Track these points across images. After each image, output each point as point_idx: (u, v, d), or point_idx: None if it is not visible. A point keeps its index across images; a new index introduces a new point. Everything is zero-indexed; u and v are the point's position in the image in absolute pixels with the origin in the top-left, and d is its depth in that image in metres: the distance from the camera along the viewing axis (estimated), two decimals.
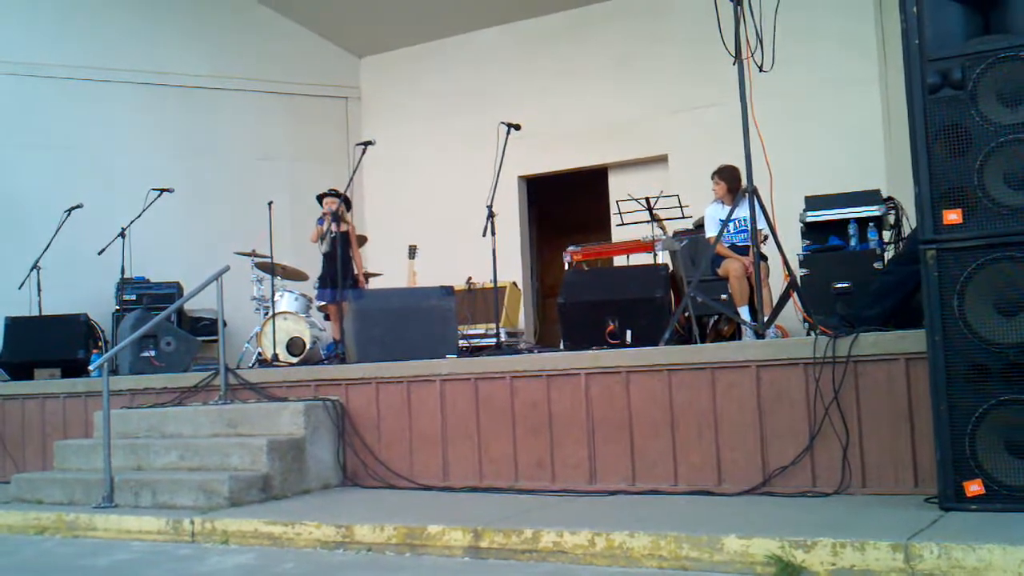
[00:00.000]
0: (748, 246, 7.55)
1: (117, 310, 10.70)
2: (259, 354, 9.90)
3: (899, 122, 6.34)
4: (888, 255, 7.65)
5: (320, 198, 9.98)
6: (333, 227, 9.40)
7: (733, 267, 7.99)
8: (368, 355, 7.51)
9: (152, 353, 8.83)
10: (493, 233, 8.26)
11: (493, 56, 12.89)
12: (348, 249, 9.70)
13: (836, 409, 5.39)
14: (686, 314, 7.12)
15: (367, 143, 8.94)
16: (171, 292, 10.91)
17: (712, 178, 8.40)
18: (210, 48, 13.00)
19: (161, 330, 8.80)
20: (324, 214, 9.66)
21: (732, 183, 8.15)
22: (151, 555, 5.63)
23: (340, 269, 9.14)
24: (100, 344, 10.45)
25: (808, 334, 6.20)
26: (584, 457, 6.19)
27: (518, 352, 8.04)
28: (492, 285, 8.69)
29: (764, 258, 7.66)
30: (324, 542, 5.44)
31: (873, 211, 7.73)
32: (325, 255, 9.56)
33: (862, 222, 7.72)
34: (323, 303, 10.02)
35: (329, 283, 9.42)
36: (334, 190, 9.74)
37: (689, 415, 5.87)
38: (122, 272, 10.65)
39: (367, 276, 10.41)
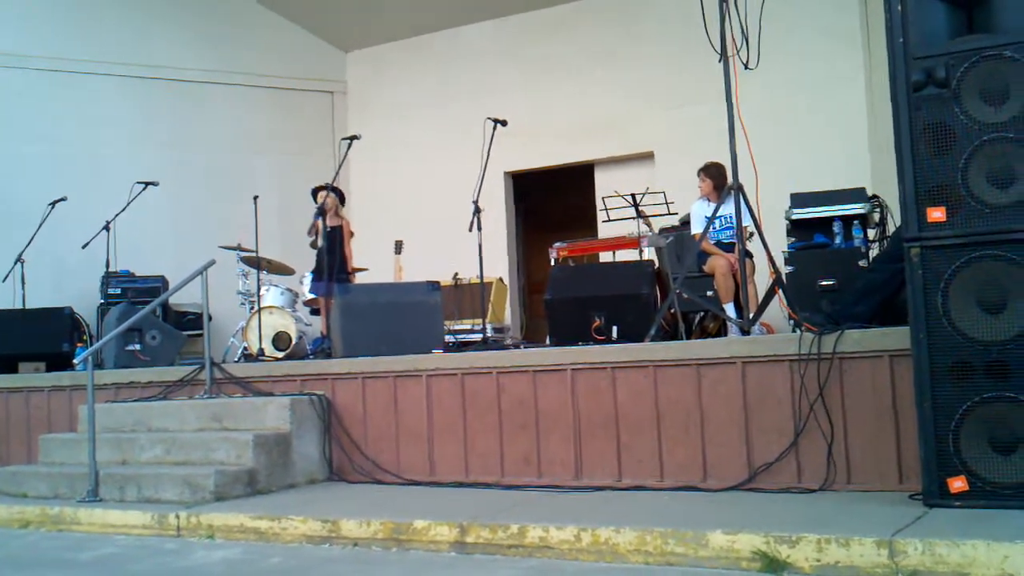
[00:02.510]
0: (734, 243, 7.58)
1: (102, 304, 10.69)
2: (245, 348, 9.89)
3: (884, 119, 6.36)
4: (873, 253, 7.69)
5: (315, 192, 9.95)
6: (327, 221, 9.38)
7: (719, 264, 8.02)
8: (354, 350, 7.50)
9: (137, 347, 8.81)
10: (479, 228, 8.25)
11: (480, 52, 12.90)
12: (341, 243, 9.68)
13: (821, 406, 5.42)
14: (672, 310, 7.14)
15: (352, 138, 8.93)
16: (156, 286, 10.89)
17: (698, 175, 8.44)
18: (197, 42, 12.97)
19: (146, 324, 8.78)
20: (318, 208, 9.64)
21: (718, 180, 8.18)
22: (136, 549, 5.63)
23: (328, 263, 9.12)
24: (85, 338, 10.44)
25: (793, 331, 6.23)
26: (570, 453, 6.20)
27: (504, 348, 8.04)
28: (478, 280, 8.69)
29: (750, 255, 7.69)
30: (310, 537, 5.44)
31: (858, 209, 7.75)
32: (319, 249, 9.52)
33: (847, 220, 7.75)
34: (315, 296, 9.99)
35: (323, 276, 9.40)
36: (329, 184, 9.70)
37: (675, 411, 5.89)
38: (107, 266, 10.67)
39: (353, 271, 10.40)
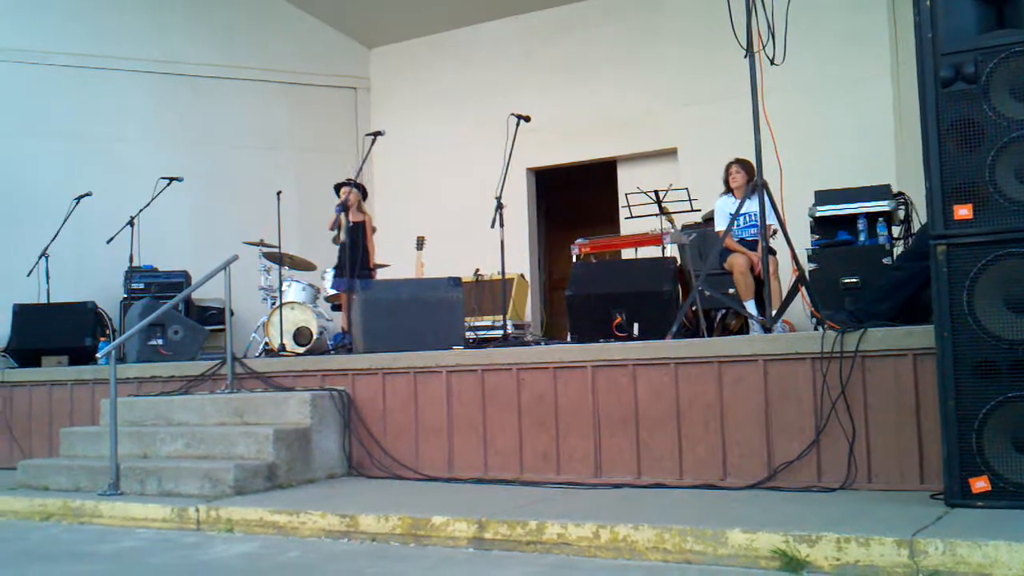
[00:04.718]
0: (757, 240, 7.53)
1: (125, 298, 10.74)
2: (266, 344, 9.91)
3: (910, 117, 6.30)
4: (897, 251, 7.62)
5: (337, 188, 9.96)
6: (350, 216, 9.38)
7: (738, 262, 7.96)
8: (375, 345, 7.51)
9: (159, 341, 8.85)
10: (501, 225, 8.24)
11: (503, 48, 12.86)
12: (364, 239, 9.68)
13: (843, 404, 5.38)
14: (694, 308, 7.10)
15: (376, 134, 8.92)
16: (179, 281, 10.92)
17: (731, 166, 8.30)
18: (220, 37, 13.00)
19: (169, 319, 8.82)
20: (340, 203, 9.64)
21: (752, 174, 8.11)
22: (156, 542, 5.65)
23: (349, 258, 9.12)
24: (108, 332, 10.49)
25: (816, 329, 6.18)
26: (590, 450, 6.18)
27: (525, 344, 8.03)
28: (500, 277, 8.68)
29: (773, 252, 7.63)
30: (329, 531, 5.45)
31: (883, 206, 7.69)
32: (342, 244, 9.53)
33: (872, 217, 7.68)
34: (337, 292, 10.00)
35: (345, 272, 9.40)
36: (351, 180, 9.69)
37: (695, 409, 5.86)
38: (130, 260, 10.74)
39: (375, 267, 10.39)
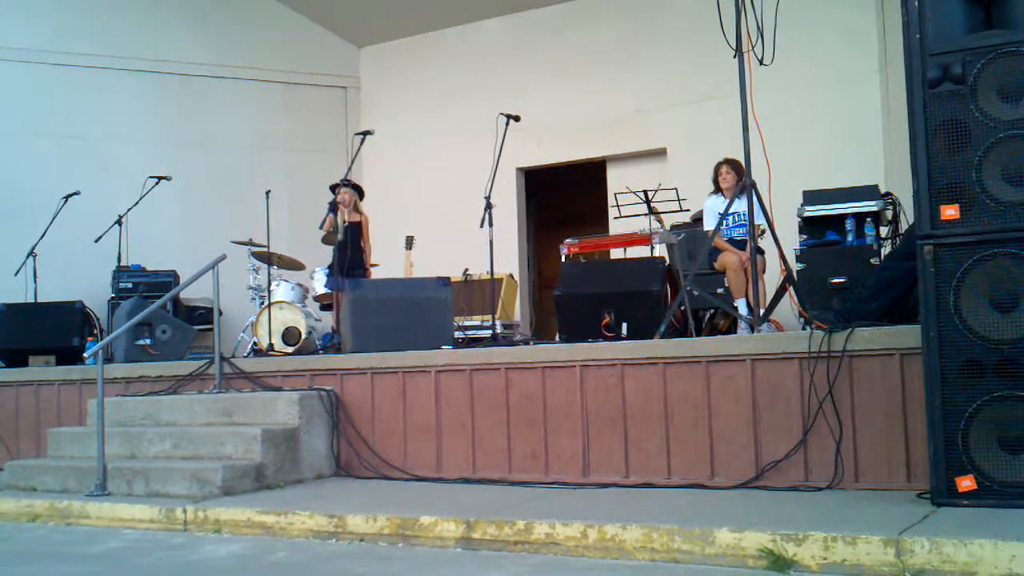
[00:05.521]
0: (746, 240, 7.54)
1: (113, 298, 10.71)
2: (255, 343, 9.89)
3: (898, 117, 6.31)
4: (885, 250, 7.64)
5: (333, 188, 9.95)
6: (345, 216, 9.35)
7: (730, 260, 7.98)
8: (364, 345, 7.50)
9: (148, 341, 8.82)
10: (491, 224, 8.24)
11: (493, 47, 12.87)
12: (359, 239, 9.66)
13: (830, 403, 5.39)
14: (682, 307, 7.10)
15: (366, 133, 8.92)
16: (167, 280, 10.90)
17: (721, 167, 8.33)
18: (210, 37, 12.99)
19: (157, 318, 8.79)
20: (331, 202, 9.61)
21: (742, 174, 8.12)
22: (144, 543, 5.63)
23: (339, 258, 9.10)
24: (95, 332, 10.45)
25: (804, 329, 6.19)
26: (578, 449, 6.19)
27: (514, 344, 8.02)
28: (489, 277, 8.68)
29: (761, 252, 7.64)
30: (317, 532, 5.44)
31: (871, 206, 7.70)
32: (336, 244, 9.51)
33: (860, 217, 7.70)
34: (329, 291, 9.97)
35: (338, 271, 9.38)
36: (348, 180, 9.65)
37: (683, 408, 5.87)
38: (118, 260, 10.71)
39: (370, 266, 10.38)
